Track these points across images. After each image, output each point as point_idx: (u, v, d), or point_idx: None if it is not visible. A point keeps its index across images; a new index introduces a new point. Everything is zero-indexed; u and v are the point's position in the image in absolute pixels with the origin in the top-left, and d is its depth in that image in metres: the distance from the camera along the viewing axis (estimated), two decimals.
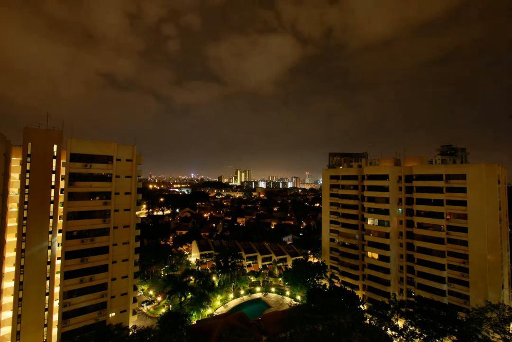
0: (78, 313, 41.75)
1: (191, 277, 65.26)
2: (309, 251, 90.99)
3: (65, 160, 43.00)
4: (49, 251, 41.34)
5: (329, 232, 70.87)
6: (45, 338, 40.15)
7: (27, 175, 40.23)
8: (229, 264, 71.22)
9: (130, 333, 38.95)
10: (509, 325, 38.51)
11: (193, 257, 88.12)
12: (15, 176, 44.26)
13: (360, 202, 63.74)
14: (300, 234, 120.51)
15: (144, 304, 63.18)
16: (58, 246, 42.61)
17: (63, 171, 43.66)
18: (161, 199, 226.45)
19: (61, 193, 43.17)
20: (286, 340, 34.36)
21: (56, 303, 41.81)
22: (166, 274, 72.90)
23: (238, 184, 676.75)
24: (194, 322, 50.59)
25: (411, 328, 41.53)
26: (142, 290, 70.41)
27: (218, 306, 62.62)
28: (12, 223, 42.20)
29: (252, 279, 74.86)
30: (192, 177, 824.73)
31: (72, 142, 42.43)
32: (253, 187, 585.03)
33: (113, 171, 46.21)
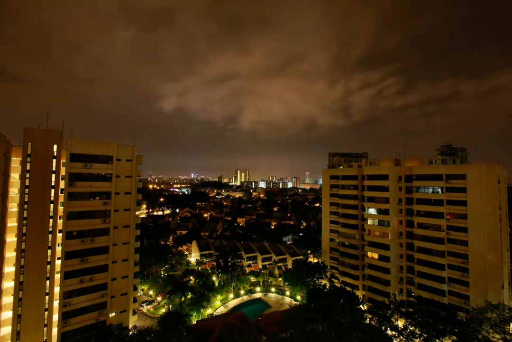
0: (78, 313, 41.76)
1: (191, 277, 65.25)
2: (309, 251, 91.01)
3: (65, 160, 43.01)
4: (49, 251, 41.38)
5: (329, 232, 70.87)
6: (45, 338, 40.15)
7: (27, 175, 40.23)
8: (229, 264, 71.22)
9: (130, 333, 39.00)
10: (509, 325, 38.51)
11: (193, 257, 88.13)
12: (15, 176, 44.23)
13: (360, 202, 63.73)
14: (300, 234, 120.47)
15: (144, 304, 63.17)
16: (58, 246, 42.62)
17: (63, 171, 43.64)
18: (161, 199, 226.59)
19: (61, 193, 43.16)
20: (286, 340, 34.37)
21: (56, 303, 41.81)
22: (166, 274, 72.90)
23: (238, 184, 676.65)
24: (194, 322, 50.59)
25: (411, 328, 41.52)
26: (142, 290, 70.41)
27: (218, 306, 62.62)
28: (12, 223, 42.19)
29: (252, 279, 74.85)
30: (192, 176, 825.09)
31: (72, 142, 42.44)
32: (253, 187, 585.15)
33: (113, 171, 46.21)
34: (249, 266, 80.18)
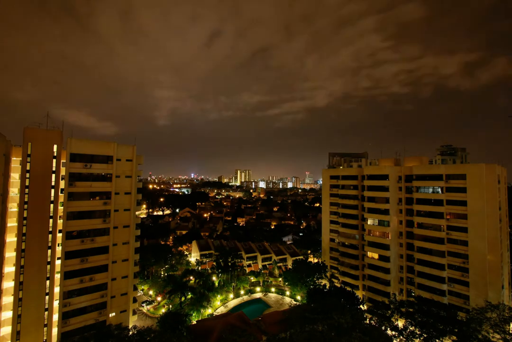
0: (78, 313, 41.73)
1: (191, 277, 65.31)
2: (309, 251, 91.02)
3: (65, 160, 43.02)
4: (49, 251, 41.37)
5: (329, 232, 70.85)
6: (45, 338, 40.14)
7: (27, 175, 40.20)
8: (229, 264, 71.24)
9: (130, 333, 38.99)
10: (509, 325, 38.49)
11: (193, 257, 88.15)
12: (15, 176, 44.25)
13: (360, 202, 63.72)
14: (300, 234, 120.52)
15: (144, 304, 63.18)
16: (58, 246, 42.62)
17: (63, 171, 43.65)
18: (161, 199, 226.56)
19: (61, 193, 43.16)
20: (286, 340, 34.34)
21: (56, 303, 41.80)
22: (166, 274, 72.95)
23: (238, 184, 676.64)
24: (194, 322, 50.59)
25: (411, 328, 41.56)
26: (142, 290, 70.41)
27: (218, 306, 62.63)
28: (12, 223, 42.19)
29: (252, 279, 74.86)
30: (192, 176, 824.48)
31: (72, 142, 42.41)
32: (253, 187, 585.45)
33: (113, 171, 46.19)
34: (249, 266, 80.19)
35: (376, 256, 58.21)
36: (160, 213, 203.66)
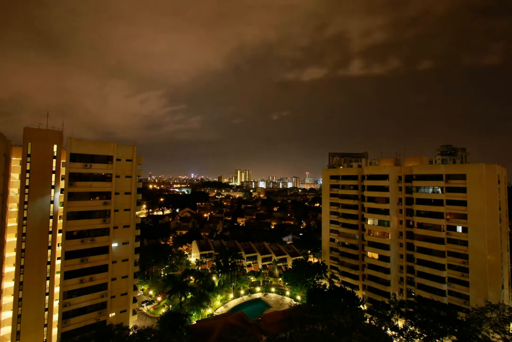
0: (78, 313, 41.69)
1: (191, 277, 65.28)
2: (309, 251, 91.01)
3: (65, 160, 43.00)
4: (49, 251, 41.37)
5: (329, 232, 70.86)
6: (45, 338, 40.15)
7: (27, 175, 40.22)
8: (229, 264, 71.24)
9: (130, 333, 38.93)
10: (509, 325, 38.49)
11: (193, 257, 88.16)
12: (15, 176, 44.25)
13: (360, 202, 63.72)
14: (300, 234, 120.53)
15: (144, 304, 63.20)
16: (58, 246, 42.61)
17: (63, 171, 43.62)
18: (161, 199, 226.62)
19: (61, 193, 43.18)
20: (286, 340, 34.34)
21: (56, 303, 41.78)
22: (166, 274, 72.97)
23: (238, 184, 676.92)
24: (194, 322, 50.61)
25: (411, 328, 41.55)
26: (142, 290, 70.43)
27: (218, 306, 62.64)
28: (12, 223, 42.20)
29: (252, 279, 74.86)
30: (192, 177, 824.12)
31: (72, 142, 42.39)
32: (253, 187, 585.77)
33: (113, 171, 46.18)
34: (249, 266, 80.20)
35: (376, 256, 58.21)
36: (160, 213, 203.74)
